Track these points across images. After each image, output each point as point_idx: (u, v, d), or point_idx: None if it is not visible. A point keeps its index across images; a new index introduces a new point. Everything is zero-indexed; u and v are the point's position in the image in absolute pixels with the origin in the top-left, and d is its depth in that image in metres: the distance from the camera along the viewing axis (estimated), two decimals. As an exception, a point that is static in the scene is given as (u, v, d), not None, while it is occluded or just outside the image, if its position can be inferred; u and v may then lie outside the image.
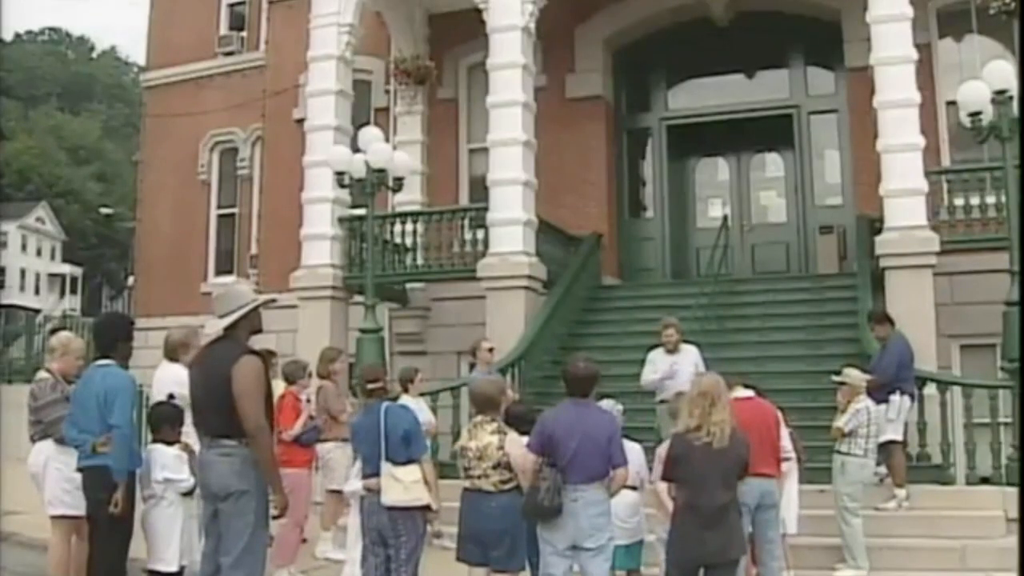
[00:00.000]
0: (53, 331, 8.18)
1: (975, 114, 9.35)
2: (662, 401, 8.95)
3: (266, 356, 5.84)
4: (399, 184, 12.07)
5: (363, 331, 11.49)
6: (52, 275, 65.47)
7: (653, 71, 16.05)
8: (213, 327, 5.69)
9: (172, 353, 7.07)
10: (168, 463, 6.11)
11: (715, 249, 13.76)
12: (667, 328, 9.52)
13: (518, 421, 6.14)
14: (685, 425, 5.66)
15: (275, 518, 5.65)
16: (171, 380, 6.69)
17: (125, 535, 6.06)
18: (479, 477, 5.77)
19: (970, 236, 11.01)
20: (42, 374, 6.94)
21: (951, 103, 11.46)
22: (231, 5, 19.55)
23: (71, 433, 6.15)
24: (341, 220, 13.38)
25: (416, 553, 5.95)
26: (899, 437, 8.95)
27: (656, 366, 9.48)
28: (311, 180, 13.46)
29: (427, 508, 5.99)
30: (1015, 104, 9.18)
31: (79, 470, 6.11)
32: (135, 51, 75.93)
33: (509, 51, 12.56)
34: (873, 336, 9.73)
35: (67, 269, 65.89)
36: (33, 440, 6.79)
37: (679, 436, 5.70)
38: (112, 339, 6.36)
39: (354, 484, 6.44)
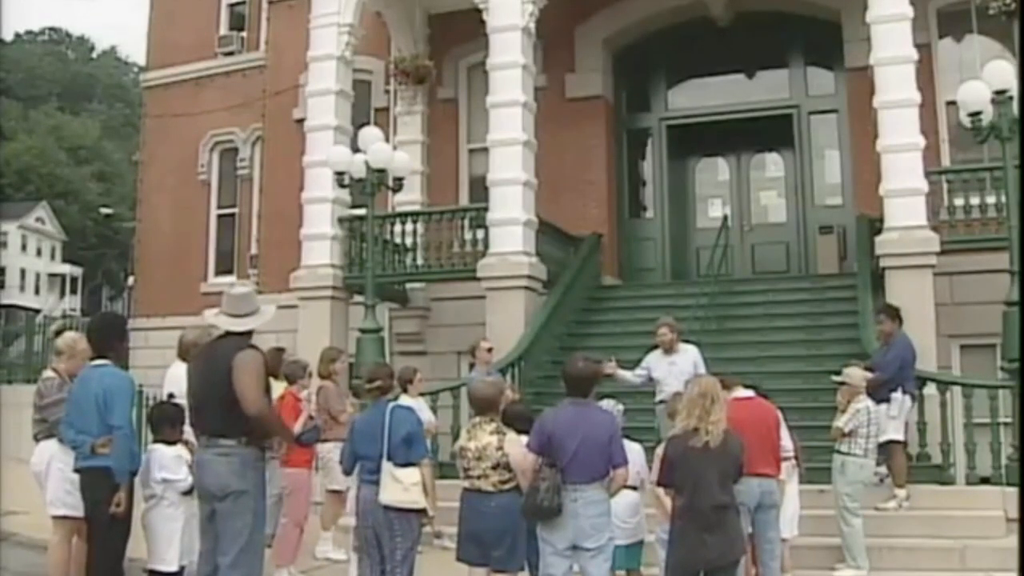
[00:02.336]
0: (58, 332, 8.16)
1: (975, 114, 9.34)
2: (661, 401, 8.94)
3: (275, 355, 5.87)
4: (399, 184, 12.08)
5: (363, 331, 11.49)
6: (52, 275, 65.49)
7: (653, 71, 16.05)
8: (217, 320, 5.72)
9: (185, 353, 7.06)
10: (167, 463, 6.11)
11: (715, 249, 13.75)
12: (660, 328, 9.44)
13: (516, 420, 6.14)
14: (683, 426, 5.65)
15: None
16: (183, 379, 6.68)
17: (124, 535, 6.06)
18: (478, 477, 5.78)
19: (970, 236, 11.00)
20: (48, 373, 6.92)
21: (951, 103, 11.46)
22: (231, 5, 19.54)
23: (68, 434, 6.13)
24: (341, 220, 13.38)
25: (411, 555, 5.95)
26: (901, 437, 8.94)
27: (647, 368, 9.45)
28: (311, 180, 13.46)
29: (423, 512, 5.98)
30: (1015, 104, 9.18)
31: (77, 471, 6.09)
32: (135, 51, 76.02)
33: (509, 51, 12.56)
34: (878, 329, 9.71)
35: (67, 269, 65.91)
36: (37, 439, 6.77)
37: (674, 439, 5.69)
38: (108, 339, 6.36)
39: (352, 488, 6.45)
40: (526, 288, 12.15)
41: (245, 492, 5.41)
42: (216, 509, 5.47)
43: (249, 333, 5.75)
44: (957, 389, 9.34)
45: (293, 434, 5.64)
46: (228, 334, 5.70)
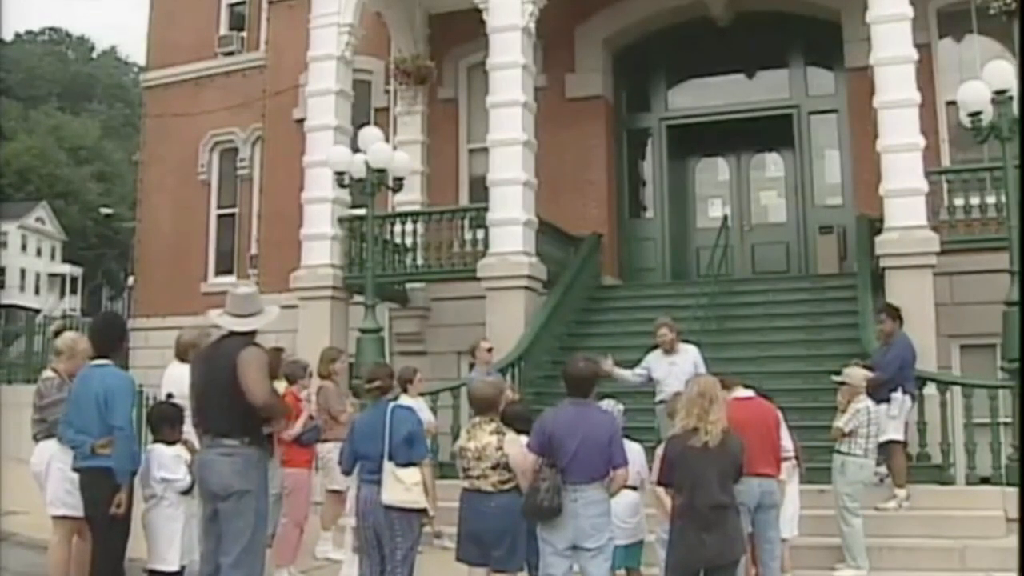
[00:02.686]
0: (57, 332, 8.18)
1: (975, 114, 9.34)
2: (661, 401, 8.94)
3: (274, 355, 5.89)
4: (399, 184, 12.08)
5: (363, 331, 11.49)
6: (52, 275, 65.51)
7: (653, 71, 16.05)
8: (221, 320, 5.73)
9: (183, 353, 7.07)
10: (165, 463, 6.11)
11: (715, 249, 13.75)
12: (660, 328, 9.43)
13: (516, 420, 6.14)
14: (683, 425, 5.66)
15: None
16: (182, 379, 6.69)
17: (124, 535, 6.06)
18: (478, 477, 5.78)
19: (970, 236, 11.00)
20: (48, 373, 6.92)
21: (951, 103, 11.46)
22: (231, 5, 19.55)
23: (68, 434, 6.12)
24: (341, 220, 13.38)
25: (412, 555, 5.94)
26: (900, 437, 8.94)
27: (647, 369, 9.44)
28: (311, 180, 13.46)
29: (423, 512, 5.98)
30: (1015, 104, 9.17)
31: (76, 470, 6.08)
32: (135, 51, 76.04)
33: (509, 51, 12.56)
34: (878, 329, 9.71)
35: (67, 269, 65.93)
36: (36, 439, 6.78)
37: (674, 439, 5.71)
38: (110, 339, 6.36)
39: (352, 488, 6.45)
40: (526, 288, 12.14)
41: (248, 492, 5.41)
42: (219, 509, 5.48)
43: (253, 333, 5.76)
44: (957, 389, 9.33)
45: (291, 412, 5.70)
46: (232, 334, 5.71)
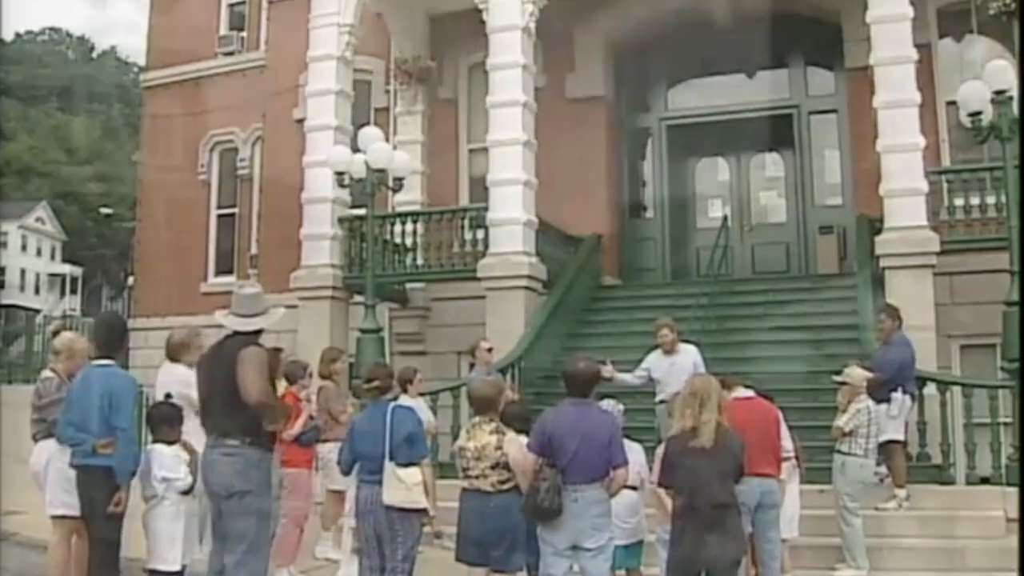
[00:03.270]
0: (55, 333, 8.18)
1: (975, 114, 9.35)
2: (662, 401, 8.95)
3: (272, 356, 5.89)
4: (399, 184, 12.09)
5: (363, 331, 11.50)
6: (52, 275, 65.44)
7: (653, 71, 16.04)
8: (225, 320, 5.74)
9: (174, 354, 7.07)
10: (165, 462, 6.11)
11: (715, 249, 13.77)
12: (660, 328, 9.44)
13: (515, 420, 6.14)
14: (680, 427, 5.67)
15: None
16: (174, 380, 6.69)
17: (120, 534, 6.05)
18: (477, 477, 5.78)
19: (970, 236, 11.01)
20: (47, 373, 6.92)
21: (951, 103, 11.48)
22: (231, 5, 19.55)
23: (68, 432, 6.11)
24: (341, 220, 13.39)
25: (412, 555, 5.95)
26: (900, 437, 8.94)
27: (648, 369, 9.44)
28: (311, 180, 13.47)
29: (424, 512, 5.98)
30: (1015, 104, 9.18)
31: (74, 467, 6.07)
32: (135, 51, 75.95)
33: (509, 51, 12.56)
34: (879, 327, 9.71)
35: (67, 269, 65.87)
36: (35, 439, 6.78)
37: (673, 440, 5.71)
38: (113, 340, 6.37)
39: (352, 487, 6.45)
40: (526, 288, 12.15)
41: (249, 492, 5.42)
42: (222, 509, 5.48)
43: (256, 333, 5.77)
44: (957, 389, 9.35)
45: (290, 413, 5.69)
46: (236, 334, 5.71)
